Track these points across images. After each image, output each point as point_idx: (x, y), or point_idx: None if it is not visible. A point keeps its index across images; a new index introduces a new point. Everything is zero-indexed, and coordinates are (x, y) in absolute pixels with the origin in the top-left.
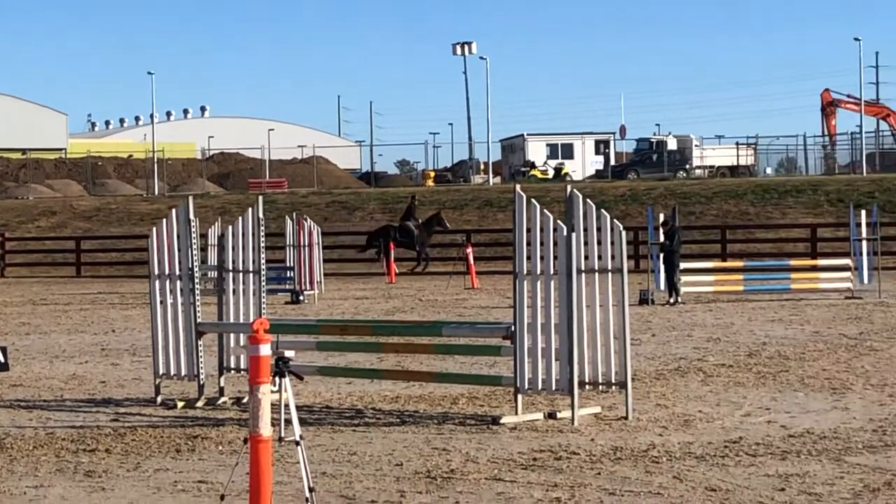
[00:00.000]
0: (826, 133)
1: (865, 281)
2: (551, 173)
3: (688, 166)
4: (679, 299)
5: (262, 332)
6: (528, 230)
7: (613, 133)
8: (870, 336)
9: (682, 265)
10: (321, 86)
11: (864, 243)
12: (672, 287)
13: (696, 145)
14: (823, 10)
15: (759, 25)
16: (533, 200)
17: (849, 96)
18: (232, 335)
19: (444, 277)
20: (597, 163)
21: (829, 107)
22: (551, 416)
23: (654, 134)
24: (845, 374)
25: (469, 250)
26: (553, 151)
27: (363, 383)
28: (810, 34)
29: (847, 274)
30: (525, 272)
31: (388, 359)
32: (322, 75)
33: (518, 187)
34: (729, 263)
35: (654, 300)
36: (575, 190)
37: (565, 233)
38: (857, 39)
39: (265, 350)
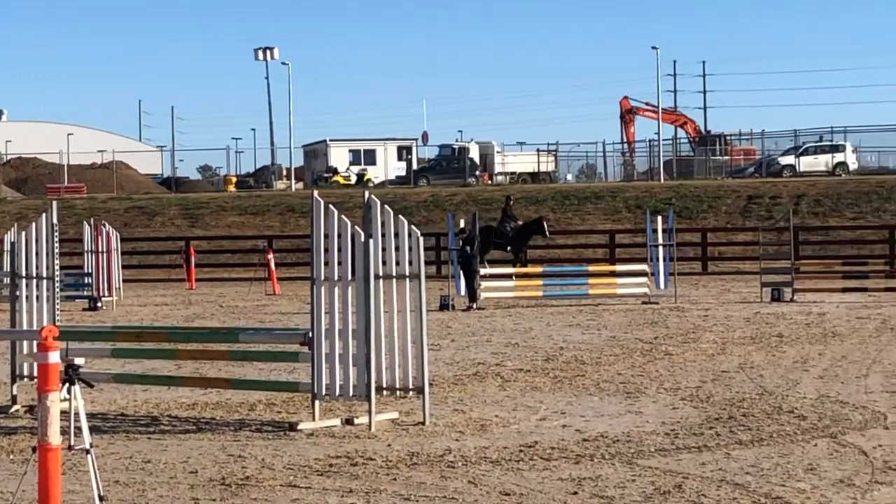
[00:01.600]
0: (625, 140)
1: (662, 286)
2: (354, 179)
3: (478, 173)
4: (477, 305)
5: (51, 339)
6: (326, 236)
7: (416, 139)
8: (665, 340)
9: (483, 271)
10: (122, 90)
11: (661, 249)
12: (472, 292)
13: (497, 152)
14: (622, 18)
15: (560, 33)
16: (331, 206)
17: (647, 104)
18: (25, 342)
19: (245, 283)
20: (399, 168)
21: (627, 114)
22: (349, 421)
23: (457, 140)
24: (640, 378)
25: (270, 256)
26: (356, 157)
27: (160, 390)
28: (609, 42)
29: (644, 279)
30: (322, 278)
31: (186, 365)
32: (122, 79)
33: (316, 193)
34: (528, 269)
35: (454, 306)
36: (373, 196)
37: (363, 239)
38: (654, 48)
39: (54, 358)
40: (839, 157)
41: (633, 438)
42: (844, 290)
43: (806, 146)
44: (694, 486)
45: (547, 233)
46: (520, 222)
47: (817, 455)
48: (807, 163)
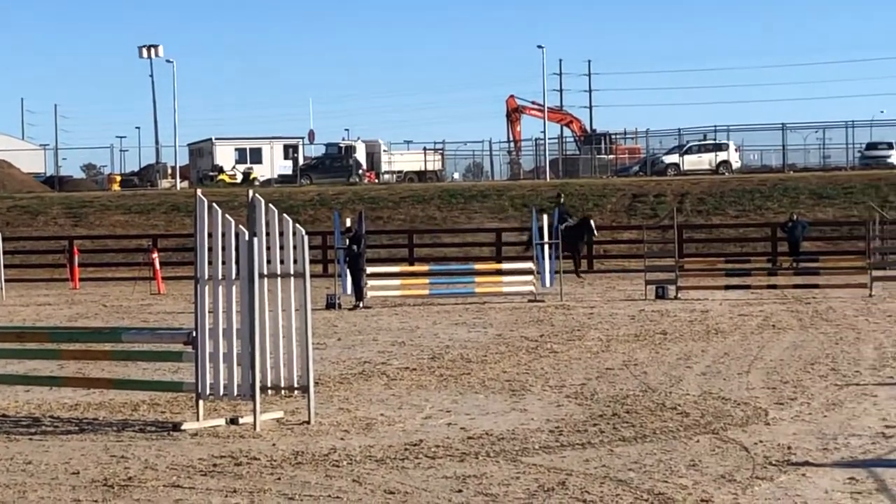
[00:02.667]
0: (511, 139)
1: (547, 284)
2: (240, 178)
3: (360, 171)
4: (363, 303)
5: None
6: (210, 235)
7: (302, 138)
8: (550, 338)
9: (369, 269)
10: (4, 88)
11: (547, 247)
12: (358, 291)
13: (384, 150)
14: (509, 17)
15: (447, 31)
16: (214, 205)
17: (533, 103)
18: None
19: (130, 283)
20: (285, 167)
21: (514, 113)
22: (233, 421)
23: (343, 139)
24: (525, 375)
25: (155, 255)
26: (242, 156)
27: (42, 391)
28: (496, 41)
29: (530, 277)
30: (206, 277)
31: (69, 366)
32: (4, 77)
33: (199, 192)
34: (415, 268)
35: (340, 304)
36: (257, 194)
37: (247, 237)
38: (540, 47)
39: None
40: (722, 155)
41: (518, 436)
42: (727, 287)
43: (690, 145)
44: (577, 483)
45: (595, 231)
46: (570, 221)
47: (699, 451)
48: (691, 161)
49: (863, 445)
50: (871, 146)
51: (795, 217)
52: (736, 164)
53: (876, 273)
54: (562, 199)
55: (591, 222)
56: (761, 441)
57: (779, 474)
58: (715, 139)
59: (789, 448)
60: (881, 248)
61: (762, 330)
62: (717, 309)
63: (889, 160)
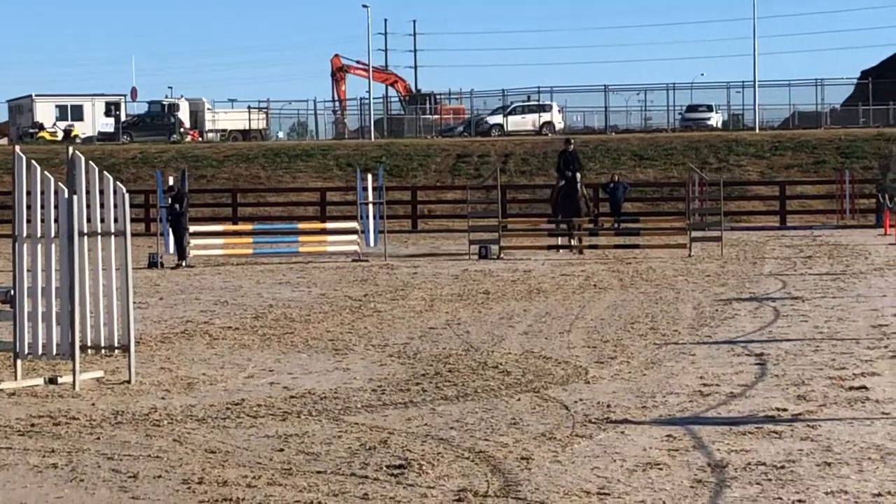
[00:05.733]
0: (336, 98)
1: (372, 244)
2: (61, 135)
3: (182, 130)
4: (186, 262)
5: None
6: (29, 193)
7: (124, 95)
8: (374, 298)
9: (192, 228)
10: None
11: (371, 207)
12: (181, 250)
13: (208, 109)
14: None
15: None
16: (33, 162)
17: (358, 62)
18: None
19: None
20: (107, 125)
21: (339, 72)
22: (52, 381)
23: (167, 96)
24: (349, 335)
25: None
26: (63, 113)
27: None
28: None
29: (354, 237)
30: (25, 235)
31: None
32: None
33: (18, 149)
34: (239, 227)
35: (163, 263)
36: (77, 152)
37: (66, 195)
38: (365, 6)
39: None
40: (546, 116)
41: (341, 395)
42: (550, 247)
43: (514, 106)
44: (399, 442)
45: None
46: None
47: (520, 409)
48: (514, 122)
49: (680, 403)
50: (692, 108)
51: (617, 178)
52: (559, 125)
53: (695, 234)
54: (571, 147)
55: (578, 175)
56: (581, 399)
57: (598, 432)
58: (538, 100)
59: (609, 406)
60: (700, 209)
61: (583, 290)
62: (539, 269)
63: (708, 122)
